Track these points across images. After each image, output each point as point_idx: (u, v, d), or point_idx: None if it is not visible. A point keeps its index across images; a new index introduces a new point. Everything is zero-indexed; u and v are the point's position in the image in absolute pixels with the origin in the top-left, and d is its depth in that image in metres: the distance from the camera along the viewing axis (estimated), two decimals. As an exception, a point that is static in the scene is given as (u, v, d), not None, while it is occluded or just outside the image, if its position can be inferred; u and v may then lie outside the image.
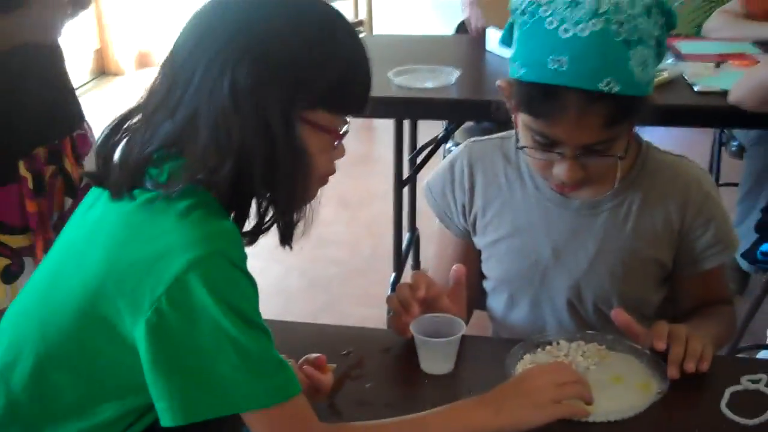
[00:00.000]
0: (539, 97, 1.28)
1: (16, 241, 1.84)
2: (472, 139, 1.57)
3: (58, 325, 1.07)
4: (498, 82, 1.40)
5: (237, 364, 1.00)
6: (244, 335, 1.00)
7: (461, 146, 1.57)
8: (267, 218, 1.13)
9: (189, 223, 1.01)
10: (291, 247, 1.14)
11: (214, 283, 0.99)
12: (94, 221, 1.10)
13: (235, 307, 1.00)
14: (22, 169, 1.82)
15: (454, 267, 1.40)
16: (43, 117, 1.89)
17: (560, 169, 1.34)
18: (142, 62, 6.14)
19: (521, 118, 1.35)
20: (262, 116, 1.02)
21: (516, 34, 1.33)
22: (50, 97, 1.92)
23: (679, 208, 1.45)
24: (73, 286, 1.06)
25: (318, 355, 1.24)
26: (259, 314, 1.05)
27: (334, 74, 1.06)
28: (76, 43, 5.44)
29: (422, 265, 3.40)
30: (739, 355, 2.33)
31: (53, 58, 1.94)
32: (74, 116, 2.03)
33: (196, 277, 0.98)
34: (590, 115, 1.26)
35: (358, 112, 1.12)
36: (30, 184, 1.83)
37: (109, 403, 1.08)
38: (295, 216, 1.12)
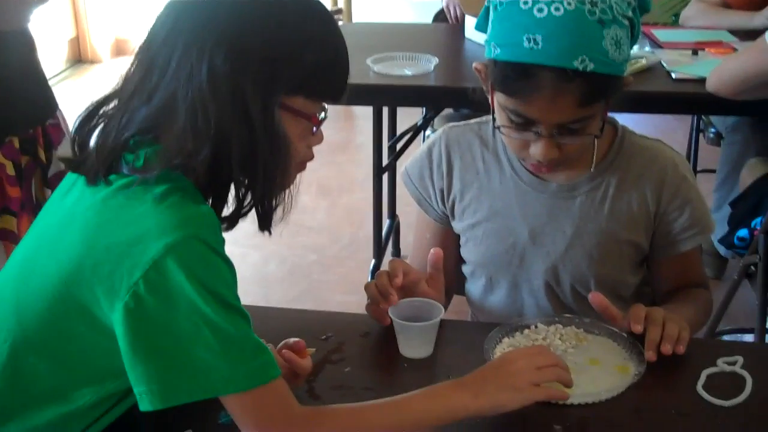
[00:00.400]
0: (514, 76, 1.29)
1: None
2: (450, 124, 1.58)
3: (33, 311, 1.06)
4: (474, 65, 1.41)
5: (215, 347, 0.99)
6: (222, 318, 1.00)
7: (439, 131, 1.58)
8: (245, 204, 1.12)
9: (166, 208, 1.01)
10: (270, 233, 1.15)
11: (190, 266, 0.98)
12: (69, 206, 1.10)
13: (212, 291, 1.00)
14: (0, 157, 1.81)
15: (431, 251, 1.41)
16: (15, 106, 1.87)
17: (536, 149, 1.34)
18: (119, 50, 6.09)
19: (497, 98, 1.36)
20: (239, 101, 1.02)
21: (491, 15, 1.34)
22: (22, 86, 1.90)
23: (655, 191, 1.46)
24: (48, 271, 1.05)
25: (296, 339, 1.24)
26: (237, 298, 1.05)
27: (311, 60, 1.06)
28: (51, 31, 5.39)
29: (402, 252, 3.40)
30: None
31: (24, 46, 1.92)
32: (47, 105, 2.01)
33: (173, 261, 0.98)
34: (565, 94, 1.27)
35: (337, 98, 1.12)
36: (10, 170, 1.82)
37: (87, 387, 1.08)
38: (274, 202, 1.12)
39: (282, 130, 1.06)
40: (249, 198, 1.12)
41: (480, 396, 1.12)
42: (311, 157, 1.15)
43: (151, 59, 1.06)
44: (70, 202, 1.10)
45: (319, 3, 1.12)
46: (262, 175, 1.07)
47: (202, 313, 0.99)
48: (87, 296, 1.02)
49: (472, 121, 1.56)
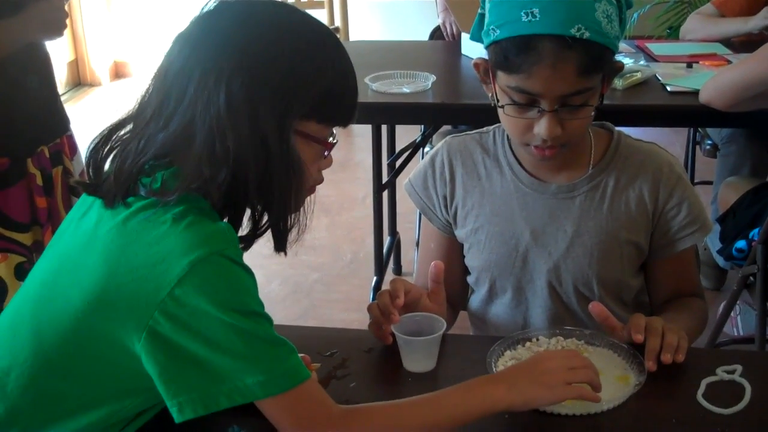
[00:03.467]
0: (515, 50, 1.34)
1: (25, 238, 1.87)
2: (452, 135, 1.62)
3: (56, 333, 1.08)
4: (474, 60, 1.47)
5: (247, 353, 1.03)
6: (250, 325, 1.04)
7: (441, 142, 1.62)
8: (261, 225, 1.17)
9: (185, 227, 1.04)
10: (285, 253, 1.19)
11: (214, 282, 1.02)
12: (89, 229, 1.11)
13: (237, 302, 1.03)
14: (30, 167, 1.85)
15: (431, 264, 1.43)
16: (43, 116, 1.93)
17: (540, 127, 1.38)
18: (118, 73, 6.13)
19: (499, 82, 1.40)
20: (256, 127, 1.05)
21: (487, 6, 1.40)
22: (49, 97, 1.96)
23: (651, 191, 1.50)
24: (70, 293, 1.07)
25: (302, 355, 1.25)
26: (260, 303, 1.08)
27: (324, 86, 1.09)
28: (50, 54, 5.41)
29: (404, 269, 3.42)
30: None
31: (44, 61, 1.98)
32: (65, 118, 2.07)
33: (198, 278, 1.01)
34: (565, 62, 1.32)
35: (346, 122, 1.16)
36: (39, 181, 1.86)
37: (108, 405, 1.10)
38: (288, 223, 1.15)
39: (296, 154, 1.09)
40: (264, 219, 1.15)
41: (513, 390, 1.14)
42: (321, 180, 1.19)
43: (168, 86, 1.08)
44: (89, 225, 1.11)
45: (330, 31, 1.16)
46: (277, 198, 1.10)
47: (230, 323, 1.02)
48: (111, 319, 1.04)
49: (473, 132, 1.61)
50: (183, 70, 1.07)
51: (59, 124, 2.03)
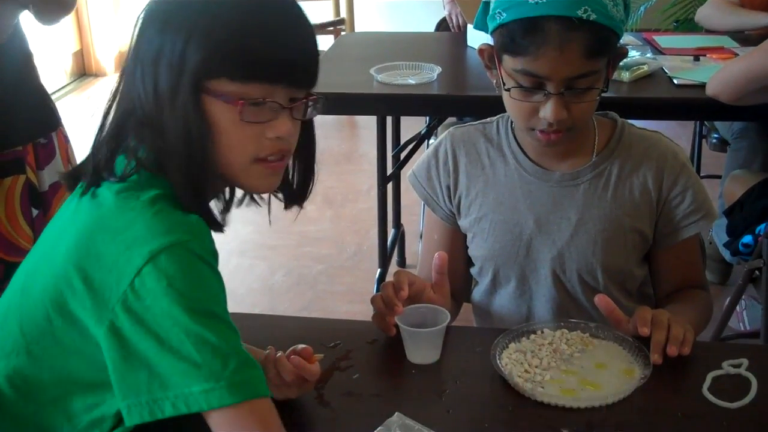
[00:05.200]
0: (522, 32, 1.34)
1: None
2: (455, 126, 1.62)
3: (34, 321, 1.07)
4: (479, 46, 1.47)
5: (196, 358, 0.96)
6: (205, 328, 0.97)
7: (444, 133, 1.62)
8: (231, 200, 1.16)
9: (153, 215, 1.01)
10: (222, 231, 1.13)
11: (173, 274, 0.97)
12: (65, 218, 1.11)
13: (195, 300, 0.98)
14: None
15: (435, 255, 1.42)
16: (7, 120, 1.89)
17: (546, 111, 1.38)
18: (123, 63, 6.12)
19: (505, 65, 1.40)
20: (157, 87, 1.04)
21: None
22: (16, 100, 1.92)
23: (655, 178, 1.49)
24: (45, 282, 1.05)
25: (304, 346, 1.25)
26: (224, 310, 1.03)
27: (221, 37, 1.03)
28: (55, 44, 5.42)
29: (408, 261, 3.42)
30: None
31: (19, 61, 1.94)
32: (45, 121, 2.02)
33: (155, 269, 0.97)
34: (571, 44, 1.32)
35: (267, 78, 1.05)
36: None
37: (88, 399, 1.08)
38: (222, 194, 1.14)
39: (201, 115, 1.04)
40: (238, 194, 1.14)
41: None
42: (270, 148, 1.09)
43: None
44: (67, 214, 1.11)
45: None
46: (197, 166, 1.05)
47: (183, 322, 0.97)
48: (79, 307, 1.01)
49: (476, 122, 1.61)
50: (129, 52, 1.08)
51: (34, 128, 1.97)
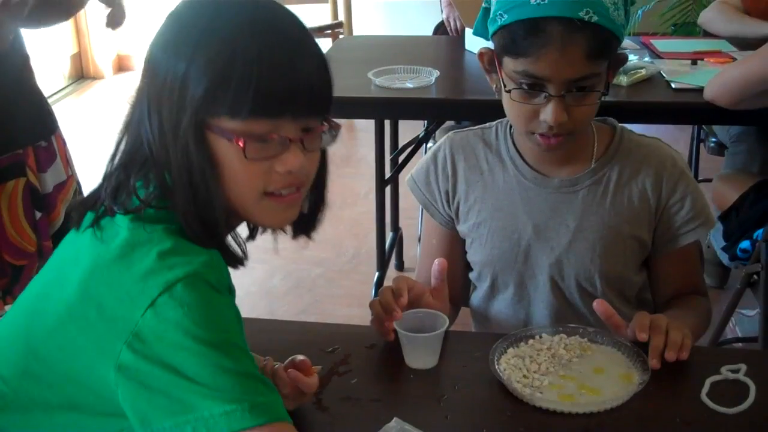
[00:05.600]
0: (524, 33, 1.34)
1: None
2: (454, 130, 1.62)
3: (44, 347, 1.04)
4: (479, 50, 1.47)
5: (216, 384, 0.95)
6: (223, 355, 0.96)
7: (443, 138, 1.62)
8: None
9: (169, 247, 1.00)
10: (241, 265, 1.11)
11: (190, 304, 0.96)
12: (78, 245, 1.08)
13: (212, 329, 0.97)
14: None
15: (435, 261, 1.42)
16: (6, 125, 1.90)
17: (546, 113, 1.38)
18: (121, 66, 6.13)
19: (506, 67, 1.40)
20: (162, 120, 1.02)
21: None
22: (14, 105, 1.92)
23: (654, 185, 1.49)
24: (57, 307, 1.03)
25: (303, 358, 1.24)
26: (241, 338, 1.01)
27: (220, 70, 0.99)
28: (52, 47, 5.42)
29: (406, 265, 3.42)
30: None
31: (16, 65, 1.94)
32: (42, 125, 2.03)
33: (173, 299, 0.95)
34: (573, 45, 1.32)
35: (270, 113, 1.01)
36: None
37: (98, 424, 1.06)
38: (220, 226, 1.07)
39: (203, 152, 1.01)
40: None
41: None
42: (281, 182, 1.05)
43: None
44: (80, 241, 1.08)
45: (261, 14, 1.04)
46: (202, 200, 1.02)
47: (200, 351, 0.95)
48: (92, 337, 0.99)
49: (475, 127, 1.61)
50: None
51: (31, 133, 1.97)
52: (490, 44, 1.46)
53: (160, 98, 1.02)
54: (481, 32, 1.48)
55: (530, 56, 1.35)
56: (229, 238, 1.10)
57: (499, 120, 1.56)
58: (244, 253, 1.12)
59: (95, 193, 1.10)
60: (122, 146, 1.07)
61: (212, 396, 0.95)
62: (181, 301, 0.96)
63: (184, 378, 0.95)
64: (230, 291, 1.06)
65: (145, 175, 1.05)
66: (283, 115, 1.02)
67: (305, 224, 1.17)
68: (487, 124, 1.59)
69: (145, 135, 1.04)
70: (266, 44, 1.01)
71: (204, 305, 0.97)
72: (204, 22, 1.02)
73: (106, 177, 1.08)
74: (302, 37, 1.05)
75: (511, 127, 1.54)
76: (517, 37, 1.35)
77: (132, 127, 1.07)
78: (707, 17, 3.02)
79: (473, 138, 1.58)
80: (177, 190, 1.02)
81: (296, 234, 1.19)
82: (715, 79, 2.25)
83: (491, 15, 1.41)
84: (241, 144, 1.00)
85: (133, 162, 1.06)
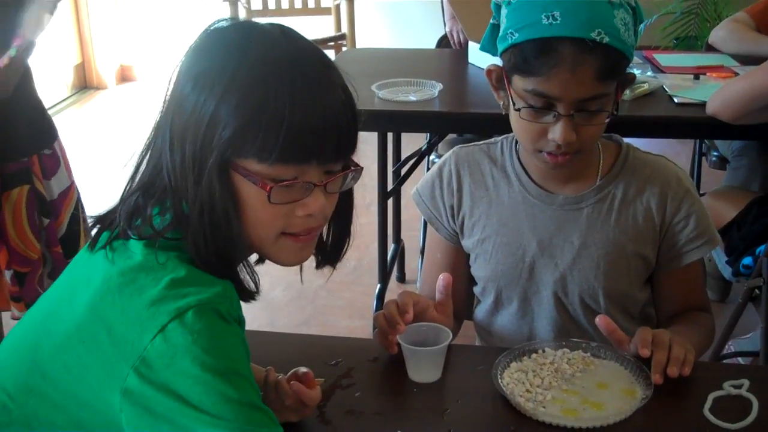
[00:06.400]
0: (536, 52, 1.34)
1: None
2: (460, 145, 1.62)
3: (53, 365, 1.04)
4: (487, 67, 1.47)
5: (219, 413, 0.95)
6: (228, 385, 0.96)
7: (449, 152, 1.62)
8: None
9: (182, 274, 1.01)
10: (252, 299, 1.12)
11: (200, 331, 0.96)
12: (89, 265, 1.08)
13: (219, 358, 0.97)
14: None
15: (440, 277, 1.42)
16: (9, 134, 1.91)
17: (555, 132, 1.38)
18: (124, 76, 6.14)
19: (516, 85, 1.40)
20: (186, 153, 1.02)
21: (504, 11, 1.41)
22: (17, 115, 1.93)
23: (659, 204, 1.49)
24: (66, 327, 1.04)
25: (306, 370, 1.24)
26: (248, 370, 1.02)
27: (250, 112, 0.99)
28: (56, 57, 5.43)
29: (407, 276, 3.42)
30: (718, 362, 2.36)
31: (23, 77, 1.95)
32: (44, 134, 2.04)
33: (182, 326, 0.96)
34: (584, 66, 1.33)
35: (298, 159, 1.02)
36: None
37: None
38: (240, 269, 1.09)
39: (227, 192, 1.01)
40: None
41: None
42: (300, 226, 1.07)
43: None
44: (93, 261, 1.08)
45: (294, 60, 1.03)
46: (223, 239, 1.03)
47: (205, 379, 0.95)
48: (99, 358, 0.99)
49: (481, 142, 1.61)
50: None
51: (33, 142, 1.98)
52: (496, 60, 1.46)
53: (184, 132, 1.02)
54: (488, 48, 1.48)
55: (541, 75, 1.35)
56: (242, 270, 1.10)
57: (504, 135, 1.56)
58: (257, 285, 1.13)
59: (111, 213, 1.10)
60: (142, 168, 1.07)
61: (215, 424, 0.95)
62: (191, 329, 0.96)
63: (189, 405, 0.95)
64: (240, 323, 1.06)
65: (163, 202, 1.05)
66: (309, 160, 1.03)
67: (330, 255, 1.18)
68: (493, 140, 1.59)
69: (166, 164, 1.04)
70: (297, 87, 1.00)
71: (213, 334, 0.98)
72: (235, 61, 1.01)
73: (123, 199, 1.08)
74: (330, 75, 1.05)
75: (516, 143, 1.54)
76: (528, 56, 1.35)
77: (154, 152, 1.06)
78: (719, 36, 2.98)
79: (479, 153, 1.58)
80: (194, 222, 1.03)
81: (320, 265, 1.20)
82: (718, 93, 2.25)
83: (501, 32, 1.41)
84: (267, 189, 1.01)
85: (151, 188, 1.06)
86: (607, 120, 1.41)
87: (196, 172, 1.01)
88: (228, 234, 1.03)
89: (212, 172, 1.00)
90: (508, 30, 1.38)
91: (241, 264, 1.10)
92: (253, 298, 1.12)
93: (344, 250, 1.20)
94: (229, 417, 0.95)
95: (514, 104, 1.41)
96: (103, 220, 1.10)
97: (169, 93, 1.06)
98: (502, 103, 1.47)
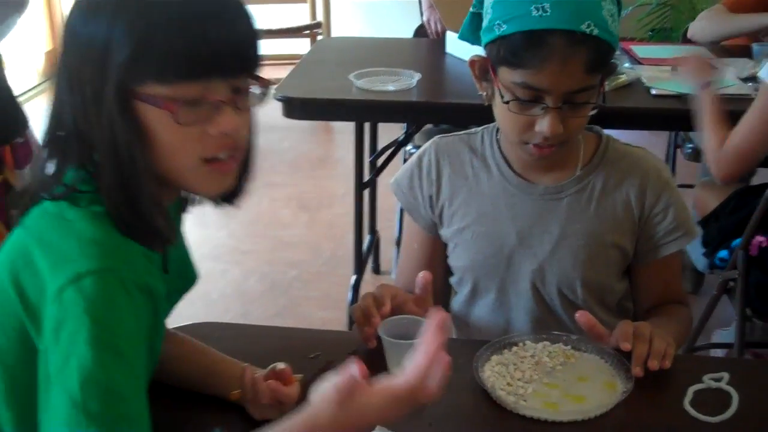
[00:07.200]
0: (525, 44, 1.33)
1: None
2: (440, 135, 1.61)
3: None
4: (470, 58, 1.45)
5: (77, 397, 0.92)
6: (103, 367, 0.93)
7: (428, 142, 1.61)
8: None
9: (89, 235, 0.98)
10: (164, 246, 1.08)
11: (94, 301, 0.93)
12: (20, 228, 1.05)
13: (106, 332, 0.94)
14: None
15: (420, 275, 1.41)
16: None
17: (543, 125, 1.37)
18: (96, 63, 6.06)
19: (503, 77, 1.39)
20: (84, 93, 0.99)
21: (489, 2, 1.39)
22: None
23: (638, 195, 1.50)
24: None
25: (283, 367, 1.22)
26: (135, 349, 0.98)
27: (143, 33, 0.96)
28: (27, 44, 5.35)
29: (382, 267, 3.41)
30: (696, 354, 2.37)
31: None
32: (14, 124, 2.00)
33: (77, 292, 0.93)
34: (574, 58, 1.32)
35: (199, 75, 0.99)
36: None
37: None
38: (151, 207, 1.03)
39: (132, 122, 0.98)
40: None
41: None
42: (217, 146, 1.03)
43: None
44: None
45: None
46: (128, 173, 0.99)
47: (80, 353, 0.92)
48: (14, 319, 0.99)
49: (461, 132, 1.59)
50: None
51: (4, 133, 1.95)
52: (475, 49, 1.44)
53: (81, 69, 0.99)
54: (468, 37, 1.46)
55: (531, 68, 1.33)
56: (158, 216, 1.04)
57: (485, 126, 1.55)
58: (173, 229, 1.09)
59: (28, 184, 1.07)
60: (49, 125, 1.03)
61: (73, 404, 0.93)
62: (86, 295, 0.93)
63: (62, 374, 0.93)
64: (145, 290, 1.00)
65: (73, 154, 1.01)
66: (211, 76, 0.99)
67: (231, 193, 1.13)
68: (473, 130, 1.58)
69: (69, 111, 1.00)
70: (189, 2, 0.98)
71: (108, 306, 0.95)
72: None
73: (35, 163, 1.05)
74: None
75: (497, 132, 1.53)
76: (517, 49, 1.34)
77: (56, 106, 1.02)
78: (698, 27, 2.98)
79: (458, 143, 1.57)
80: (103, 168, 0.99)
81: (221, 202, 1.14)
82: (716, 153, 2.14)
83: (487, 23, 1.39)
84: (172, 109, 0.98)
85: (56, 142, 1.02)
86: (593, 111, 1.40)
87: (96, 109, 0.98)
88: (134, 171, 0.99)
89: (112, 104, 0.97)
90: (495, 21, 1.36)
91: (159, 212, 1.04)
92: (170, 243, 1.07)
93: (244, 186, 1.14)
94: (86, 401, 0.92)
95: (502, 96, 1.40)
96: (22, 195, 1.07)
97: (63, 35, 1.02)
98: (485, 94, 1.45)
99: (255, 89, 1.06)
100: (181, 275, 1.23)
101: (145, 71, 0.97)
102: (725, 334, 2.62)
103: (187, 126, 0.99)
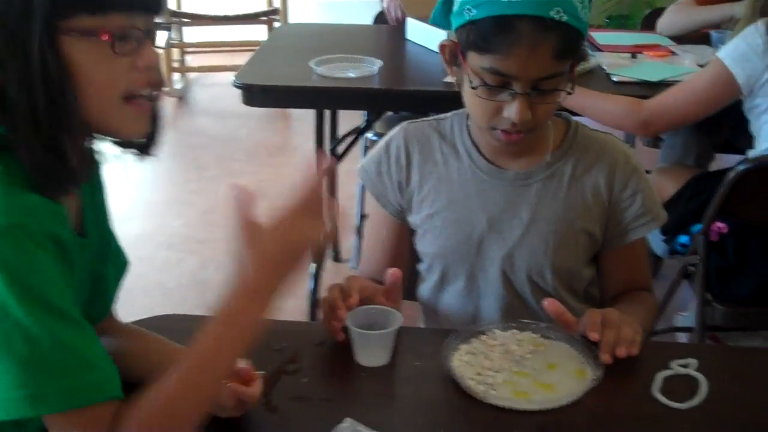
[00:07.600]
0: (494, 30, 1.32)
1: None
2: (408, 121, 1.60)
3: None
4: (440, 42, 1.45)
5: (24, 358, 0.91)
6: (38, 325, 0.91)
7: (396, 128, 1.59)
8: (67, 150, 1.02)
9: None
10: (83, 180, 1.08)
11: (8, 259, 0.91)
12: None
13: (30, 287, 0.92)
14: None
15: (389, 272, 1.40)
16: None
17: (511, 111, 1.36)
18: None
19: (472, 62, 1.38)
20: (7, 34, 0.96)
21: None
22: None
23: (606, 180, 1.50)
24: None
25: (244, 366, 1.18)
26: (63, 298, 0.96)
27: None
28: None
29: (342, 255, 3.38)
30: (655, 338, 2.39)
31: None
32: None
33: None
34: (543, 44, 1.31)
35: (127, 5, 0.99)
36: None
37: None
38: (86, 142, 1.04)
39: (60, 59, 0.96)
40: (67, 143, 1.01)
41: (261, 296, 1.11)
42: (143, 81, 1.03)
43: None
44: None
45: None
46: (59, 112, 0.97)
47: (14, 316, 0.91)
48: None
49: (430, 118, 1.58)
50: None
51: None
52: (439, 35, 1.42)
53: (2, 10, 0.95)
54: (439, 21, 1.44)
55: (499, 53, 1.32)
56: (72, 153, 1.02)
57: (454, 111, 1.54)
58: (91, 167, 1.08)
59: None
60: None
61: (19, 375, 0.91)
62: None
63: None
64: (56, 241, 0.97)
65: None
66: (135, 8, 1.00)
67: (147, 142, 1.12)
68: (442, 115, 1.57)
69: None
70: None
71: (24, 261, 0.92)
72: None
73: None
74: None
75: (467, 118, 1.51)
76: (486, 34, 1.33)
77: None
78: (666, 22, 3.01)
79: (428, 129, 1.56)
80: (21, 108, 0.96)
81: (140, 152, 1.13)
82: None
83: (457, 8, 1.37)
84: (108, 38, 0.97)
85: None
86: (563, 99, 1.40)
87: (22, 49, 0.95)
88: (64, 109, 0.97)
89: (41, 43, 0.95)
90: (465, 6, 1.35)
91: (75, 151, 1.03)
92: (84, 180, 1.06)
93: (159, 133, 1.12)
94: (32, 360, 0.91)
95: (470, 82, 1.38)
96: None
97: None
98: (455, 79, 1.44)
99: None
100: (113, 261, 1.22)
101: (74, 3, 0.96)
102: (684, 318, 2.65)
103: (117, 59, 0.99)
